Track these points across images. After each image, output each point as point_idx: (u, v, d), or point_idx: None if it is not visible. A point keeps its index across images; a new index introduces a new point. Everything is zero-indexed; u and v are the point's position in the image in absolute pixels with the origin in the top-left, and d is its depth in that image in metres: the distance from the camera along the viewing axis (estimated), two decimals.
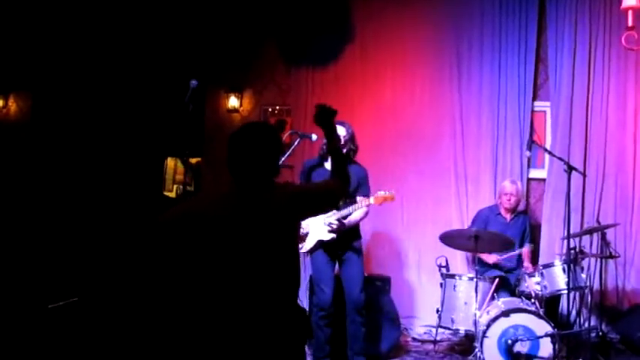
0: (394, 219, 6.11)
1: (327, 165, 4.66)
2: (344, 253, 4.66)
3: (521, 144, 5.88)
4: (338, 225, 4.52)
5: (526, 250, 5.42)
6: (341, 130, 4.55)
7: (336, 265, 4.73)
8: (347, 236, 4.62)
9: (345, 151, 4.51)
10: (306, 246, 4.63)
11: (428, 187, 6.11)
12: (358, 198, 4.60)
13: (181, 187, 7.01)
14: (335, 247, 4.64)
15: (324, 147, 4.58)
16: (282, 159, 4.22)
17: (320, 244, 4.61)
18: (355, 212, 4.60)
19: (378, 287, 5.24)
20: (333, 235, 4.53)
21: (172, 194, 6.98)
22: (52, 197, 6.13)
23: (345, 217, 4.56)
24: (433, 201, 6.08)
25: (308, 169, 4.74)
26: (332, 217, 4.52)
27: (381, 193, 4.59)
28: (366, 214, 4.68)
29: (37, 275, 5.24)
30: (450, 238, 5.05)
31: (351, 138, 4.62)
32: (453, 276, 5.09)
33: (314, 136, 4.62)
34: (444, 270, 5.22)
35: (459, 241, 5.02)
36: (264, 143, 2.71)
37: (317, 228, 4.59)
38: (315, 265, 4.71)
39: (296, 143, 4.59)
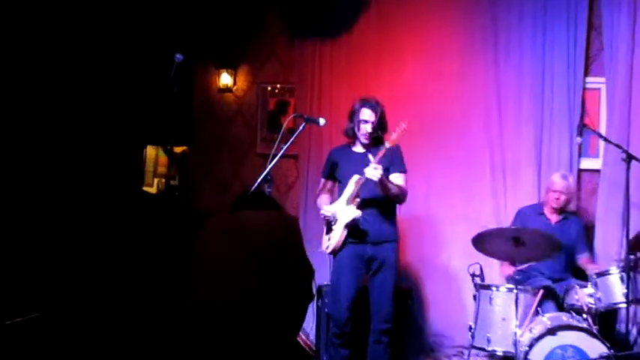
0: (418, 218, 6.05)
1: (356, 148, 4.80)
2: (377, 258, 4.66)
3: (570, 128, 5.81)
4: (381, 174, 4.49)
5: (584, 259, 5.37)
6: (369, 115, 4.70)
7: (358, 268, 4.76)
8: (383, 235, 4.69)
9: (367, 142, 4.72)
10: (336, 232, 4.67)
11: (458, 180, 6.06)
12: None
13: (164, 181, 7.02)
14: (368, 249, 4.69)
15: (353, 127, 4.78)
16: (285, 147, 4.27)
17: (354, 223, 4.61)
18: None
19: (397, 301, 5.19)
20: (378, 175, 4.46)
21: (153, 189, 6.97)
22: (12, 196, 6.09)
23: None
24: (465, 197, 6.03)
25: (334, 157, 4.89)
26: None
27: (394, 135, 4.61)
28: (403, 192, 4.73)
29: None
30: (483, 241, 4.97)
31: (380, 123, 4.74)
32: (488, 287, 5.02)
33: (321, 121, 4.62)
34: (477, 279, 5.15)
35: (495, 246, 4.94)
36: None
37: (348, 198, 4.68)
38: (336, 267, 4.75)
39: (301, 128, 4.56)
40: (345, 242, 4.68)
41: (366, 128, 4.66)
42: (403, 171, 4.75)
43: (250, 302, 2.79)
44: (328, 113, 6.05)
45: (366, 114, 4.68)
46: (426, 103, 6.14)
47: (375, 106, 4.72)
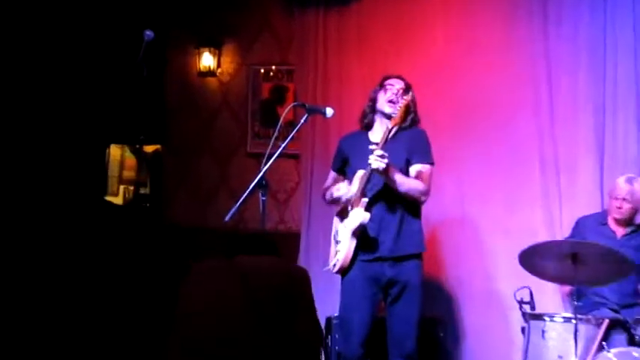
0: (450, 229, 6.06)
1: (372, 135, 4.77)
2: (399, 280, 4.64)
3: (638, 116, 5.80)
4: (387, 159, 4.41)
5: None
6: (397, 82, 4.73)
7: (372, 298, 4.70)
8: (403, 247, 4.63)
9: (394, 109, 4.61)
10: (344, 243, 4.62)
11: (500, 181, 6.06)
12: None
13: (132, 188, 7.02)
14: (386, 269, 4.62)
15: (367, 109, 4.77)
16: (283, 145, 4.26)
17: (362, 228, 4.56)
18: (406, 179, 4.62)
19: (427, 333, 5.20)
20: (383, 164, 4.39)
21: (119, 199, 6.97)
22: None
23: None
24: (508, 202, 6.02)
25: (344, 149, 4.86)
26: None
27: (397, 108, 4.57)
28: (419, 189, 4.64)
29: None
30: (532, 258, 4.94)
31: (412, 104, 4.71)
32: (540, 316, 4.99)
33: (328, 111, 4.60)
34: (527, 307, 5.13)
35: (547, 264, 4.92)
36: None
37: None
38: (345, 293, 4.72)
39: (302, 121, 4.54)
40: (354, 257, 4.65)
41: (393, 91, 4.67)
42: (427, 162, 4.71)
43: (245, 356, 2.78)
44: (337, 101, 6.04)
45: (393, 80, 4.73)
46: (459, 85, 6.14)
47: (402, 78, 4.78)
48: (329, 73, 6.40)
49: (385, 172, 4.41)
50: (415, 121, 4.77)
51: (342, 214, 4.73)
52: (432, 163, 4.73)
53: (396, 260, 4.64)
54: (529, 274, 5.11)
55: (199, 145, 6.87)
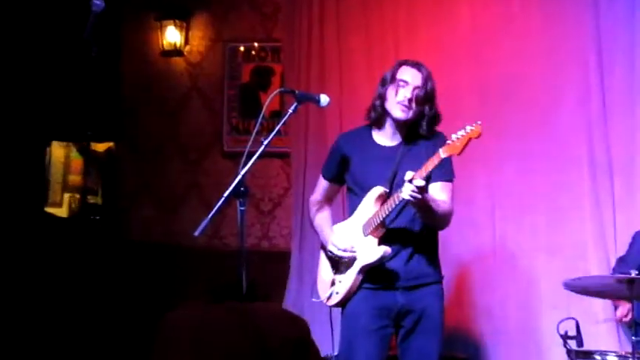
0: (478, 248, 6.08)
1: (381, 136, 4.68)
2: (413, 309, 4.60)
3: None
4: (424, 190, 4.26)
5: None
6: (413, 76, 4.55)
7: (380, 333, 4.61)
8: (419, 274, 4.57)
9: (406, 116, 4.53)
10: (348, 276, 4.58)
11: (542, 186, 6.08)
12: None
13: (79, 197, 7.01)
14: (398, 296, 4.57)
15: (376, 105, 4.62)
16: (267, 141, 4.26)
17: (379, 264, 4.50)
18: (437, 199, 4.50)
19: None
20: (420, 196, 4.23)
21: (63, 210, 6.95)
22: None
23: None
24: (550, 212, 6.04)
25: (344, 148, 4.75)
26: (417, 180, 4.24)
27: (461, 134, 4.37)
28: (448, 213, 4.56)
29: None
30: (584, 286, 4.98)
31: (427, 95, 4.57)
32: (590, 354, 5.01)
33: (324, 99, 4.57)
34: (572, 343, 5.14)
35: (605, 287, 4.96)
36: None
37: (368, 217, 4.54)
38: (347, 326, 4.65)
39: (291, 111, 4.52)
40: (358, 288, 4.63)
41: (406, 93, 4.59)
42: (450, 179, 4.66)
43: None
44: (335, 87, 6.06)
45: (408, 74, 4.61)
46: (488, 70, 6.19)
47: (420, 66, 4.61)
48: (326, 53, 6.39)
49: (419, 203, 4.36)
50: (436, 120, 4.66)
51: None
52: (453, 180, 4.67)
53: (409, 288, 4.62)
54: (575, 303, 5.14)
55: (164, 143, 6.87)
